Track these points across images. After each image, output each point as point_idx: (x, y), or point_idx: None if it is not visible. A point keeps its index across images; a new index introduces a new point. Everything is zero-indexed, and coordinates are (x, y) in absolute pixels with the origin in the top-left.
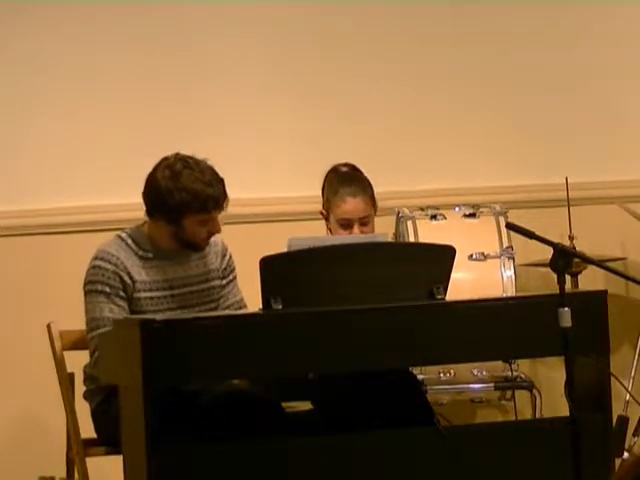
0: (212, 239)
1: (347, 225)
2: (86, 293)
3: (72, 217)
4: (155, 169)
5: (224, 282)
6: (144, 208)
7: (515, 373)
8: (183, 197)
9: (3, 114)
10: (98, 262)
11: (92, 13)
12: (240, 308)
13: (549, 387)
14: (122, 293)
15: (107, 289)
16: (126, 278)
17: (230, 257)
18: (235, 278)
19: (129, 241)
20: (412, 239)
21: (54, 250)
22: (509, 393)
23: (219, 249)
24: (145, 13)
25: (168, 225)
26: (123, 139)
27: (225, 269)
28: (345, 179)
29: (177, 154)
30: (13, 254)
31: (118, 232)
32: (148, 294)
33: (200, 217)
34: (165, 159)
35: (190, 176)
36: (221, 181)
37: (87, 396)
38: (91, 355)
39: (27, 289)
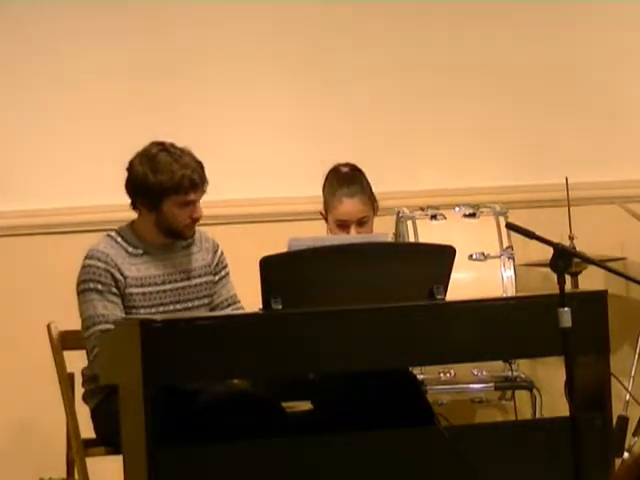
0: (202, 236)
1: (344, 226)
2: (79, 293)
3: (72, 217)
4: (133, 158)
5: (216, 278)
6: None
7: (515, 373)
8: (159, 179)
9: (3, 114)
10: (88, 261)
11: (89, 14)
12: (234, 303)
13: (549, 387)
14: (114, 289)
15: (99, 286)
16: (117, 274)
17: (222, 254)
18: (228, 274)
19: (118, 239)
20: (412, 239)
21: (54, 250)
22: (509, 393)
23: (210, 245)
24: (145, 14)
25: (150, 213)
26: (123, 139)
27: (217, 265)
28: (343, 180)
29: (153, 141)
30: (13, 254)
31: (107, 232)
32: (140, 289)
33: (178, 199)
34: (143, 148)
35: (166, 158)
36: (198, 163)
37: (86, 397)
38: (89, 354)
39: (27, 289)
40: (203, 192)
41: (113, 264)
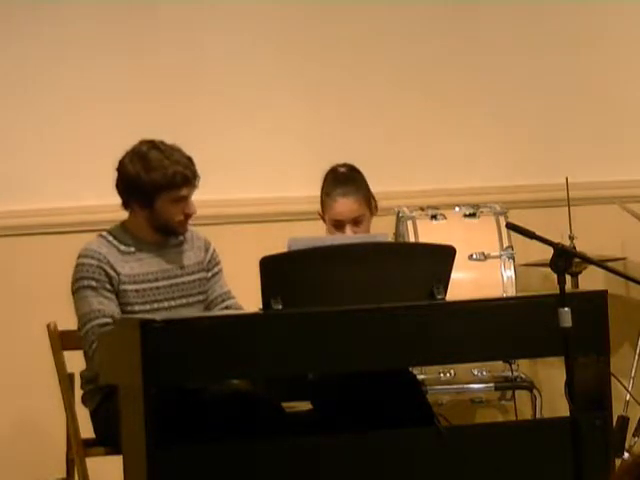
0: (194, 234)
1: (339, 226)
2: (74, 292)
3: (71, 217)
4: (123, 157)
5: (209, 275)
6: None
7: (515, 373)
8: (152, 176)
9: (3, 114)
10: (81, 260)
11: (89, 14)
12: (228, 299)
13: (549, 387)
14: (108, 286)
15: (93, 283)
16: (110, 271)
17: (214, 251)
18: (220, 271)
19: (110, 238)
20: (412, 239)
21: (54, 250)
22: (509, 393)
23: (202, 243)
24: (144, 13)
25: (143, 210)
26: (122, 139)
27: (209, 262)
28: (338, 180)
29: (142, 140)
30: (13, 254)
31: (99, 233)
32: (133, 286)
33: (171, 195)
34: (132, 147)
35: (157, 155)
36: (189, 158)
37: (86, 399)
38: (87, 352)
39: (27, 289)
40: (195, 187)
41: (106, 261)
